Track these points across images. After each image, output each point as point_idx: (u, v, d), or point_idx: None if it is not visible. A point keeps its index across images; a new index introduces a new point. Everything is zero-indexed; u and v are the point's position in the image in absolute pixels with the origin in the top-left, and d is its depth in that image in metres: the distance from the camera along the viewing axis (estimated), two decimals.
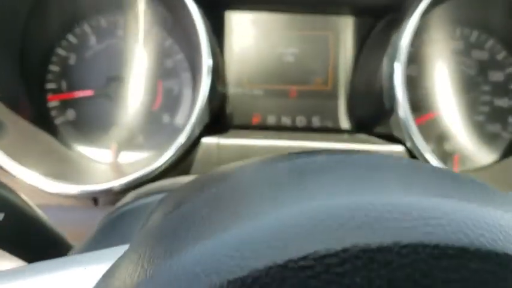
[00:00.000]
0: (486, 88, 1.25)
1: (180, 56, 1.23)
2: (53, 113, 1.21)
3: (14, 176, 0.91)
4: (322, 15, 1.24)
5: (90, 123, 1.21)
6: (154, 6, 1.17)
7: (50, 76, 1.21)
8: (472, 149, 1.24)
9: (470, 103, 1.25)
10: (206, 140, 0.96)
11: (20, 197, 0.66)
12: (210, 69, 0.94)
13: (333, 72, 1.26)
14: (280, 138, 0.97)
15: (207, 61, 0.94)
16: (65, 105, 1.21)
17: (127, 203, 0.66)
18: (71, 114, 1.21)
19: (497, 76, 1.26)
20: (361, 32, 1.22)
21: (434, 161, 0.91)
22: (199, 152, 0.96)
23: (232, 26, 1.26)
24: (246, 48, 1.27)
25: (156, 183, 0.77)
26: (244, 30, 1.26)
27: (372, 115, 1.13)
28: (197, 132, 0.93)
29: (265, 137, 0.97)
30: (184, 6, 0.94)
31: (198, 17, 0.93)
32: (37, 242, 0.67)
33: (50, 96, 1.20)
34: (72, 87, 1.21)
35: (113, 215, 0.62)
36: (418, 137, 0.92)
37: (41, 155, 1.03)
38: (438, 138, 1.24)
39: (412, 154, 0.95)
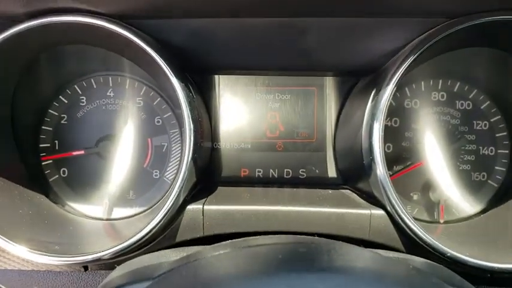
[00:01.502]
0: (471, 137, 1.27)
1: (168, 114, 1.26)
2: (47, 171, 1.24)
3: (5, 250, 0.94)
4: (307, 76, 1.27)
5: (83, 180, 1.25)
6: (141, 69, 1.20)
7: (43, 136, 1.24)
8: (458, 198, 1.25)
9: (456, 152, 1.26)
10: (191, 206, 0.98)
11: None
12: (192, 134, 0.97)
13: (318, 127, 1.29)
14: (265, 203, 1.00)
15: (189, 127, 0.97)
16: (58, 163, 1.25)
17: None
18: (64, 172, 1.25)
19: (482, 125, 1.27)
20: (344, 89, 1.25)
21: (413, 227, 0.93)
22: (185, 218, 0.98)
23: (220, 87, 1.30)
24: (234, 106, 1.30)
25: (137, 263, 0.80)
26: (233, 90, 1.30)
27: (353, 170, 1.15)
28: (183, 198, 0.95)
29: (248, 203, 1.00)
30: (166, 76, 0.97)
31: (180, 89, 0.96)
32: None
33: (43, 156, 1.24)
34: (64, 146, 1.24)
35: None
36: (396, 201, 0.94)
37: (32, 220, 1.06)
38: (423, 187, 1.25)
39: (393, 218, 0.96)
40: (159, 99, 1.26)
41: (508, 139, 1.26)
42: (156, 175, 1.27)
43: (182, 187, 0.95)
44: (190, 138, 0.96)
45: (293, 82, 1.30)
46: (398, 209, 0.94)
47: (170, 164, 1.27)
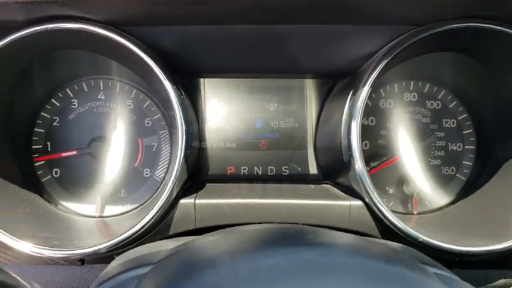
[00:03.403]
0: (441, 134, 1.37)
1: (158, 116, 1.33)
2: (40, 171, 1.29)
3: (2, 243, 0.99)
4: (288, 78, 1.36)
5: (75, 180, 1.30)
6: (132, 73, 1.27)
7: (36, 138, 1.29)
8: (429, 191, 1.35)
9: (427, 148, 1.36)
10: (184, 201, 1.05)
11: (14, 279, 0.74)
12: (184, 134, 1.04)
13: (299, 126, 1.37)
14: (250, 196, 1.07)
15: (182, 128, 1.03)
16: (51, 164, 1.30)
17: (111, 277, 0.74)
18: (56, 172, 1.30)
19: (450, 123, 1.37)
20: (323, 91, 1.34)
21: (388, 215, 1.01)
22: (178, 212, 1.05)
23: (208, 90, 1.37)
24: (219, 108, 1.38)
25: (136, 253, 0.86)
26: (218, 93, 1.37)
27: (334, 166, 1.23)
28: (176, 193, 1.02)
29: (237, 196, 1.07)
30: (159, 80, 1.04)
31: (172, 92, 1.03)
32: None
33: (36, 157, 1.29)
34: (57, 148, 1.30)
35: None
36: (373, 193, 1.02)
37: (29, 217, 1.11)
38: (398, 181, 1.35)
39: (370, 208, 1.05)
40: (148, 101, 1.33)
41: (474, 136, 1.36)
42: (146, 174, 1.33)
43: (175, 183, 1.01)
44: (182, 138, 1.02)
45: (275, 84, 1.38)
46: (375, 199, 1.02)
47: (160, 163, 1.33)
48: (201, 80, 1.37)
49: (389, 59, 1.00)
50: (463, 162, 1.37)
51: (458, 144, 1.37)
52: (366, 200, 1.05)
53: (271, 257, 0.51)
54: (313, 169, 1.37)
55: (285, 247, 0.56)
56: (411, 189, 1.33)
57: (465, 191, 1.34)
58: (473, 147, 1.36)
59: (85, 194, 1.30)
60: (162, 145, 1.33)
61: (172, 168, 1.03)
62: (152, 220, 1.00)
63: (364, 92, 1.02)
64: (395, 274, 0.52)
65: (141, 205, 1.31)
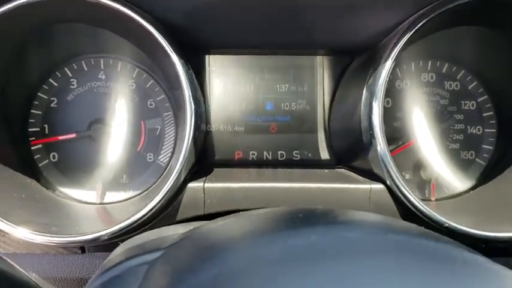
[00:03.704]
0: (459, 117, 1.30)
1: (161, 97, 1.25)
2: (36, 156, 1.22)
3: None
4: (299, 56, 1.28)
5: (74, 164, 1.23)
6: (135, 50, 1.19)
7: (32, 120, 1.22)
8: (447, 176, 1.28)
9: (445, 132, 1.29)
10: (192, 185, 0.98)
11: (11, 266, 0.67)
12: (193, 114, 0.96)
13: (311, 107, 1.30)
14: (261, 180, 1.00)
15: (190, 107, 0.96)
16: (48, 148, 1.22)
17: (116, 264, 0.68)
18: (54, 156, 1.22)
19: (469, 105, 1.30)
20: (337, 70, 1.27)
21: (413, 199, 0.95)
22: (186, 196, 0.98)
23: (214, 69, 1.29)
24: (226, 88, 1.30)
25: (142, 238, 0.79)
26: (225, 71, 1.30)
27: (350, 149, 1.16)
28: (183, 176, 0.95)
29: (248, 180, 1.00)
30: (166, 54, 0.96)
31: (180, 67, 0.96)
32: None
33: (33, 140, 1.21)
34: (54, 130, 1.22)
35: (104, 279, 0.64)
36: (396, 176, 0.96)
37: (26, 203, 1.04)
38: (415, 166, 1.28)
39: (392, 192, 0.98)
40: (152, 81, 1.25)
41: (494, 118, 1.30)
42: (150, 158, 1.25)
43: (183, 165, 0.94)
44: (191, 118, 0.95)
45: (286, 63, 1.30)
46: (398, 182, 0.96)
47: (164, 147, 1.26)
48: (207, 57, 1.29)
49: (413, 31, 0.93)
50: (483, 146, 1.30)
51: (478, 127, 1.30)
52: (388, 182, 0.98)
53: (309, 235, 0.44)
54: (325, 153, 1.29)
55: (321, 225, 0.49)
56: (429, 174, 1.27)
57: (485, 176, 1.28)
58: (494, 130, 1.30)
59: (84, 180, 1.22)
60: (166, 128, 1.26)
61: (179, 150, 0.96)
62: (159, 205, 0.93)
63: (387, 67, 0.95)
64: (447, 253, 0.45)
65: (144, 191, 1.23)
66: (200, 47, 1.21)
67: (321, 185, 0.97)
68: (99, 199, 1.21)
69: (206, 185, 0.97)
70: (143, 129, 1.25)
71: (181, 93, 0.99)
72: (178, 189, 0.96)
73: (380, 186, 0.99)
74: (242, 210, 0.95)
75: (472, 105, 1.30)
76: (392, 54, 0.95)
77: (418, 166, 1.27)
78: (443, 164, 1.28)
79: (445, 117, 1.30)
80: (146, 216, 0.93)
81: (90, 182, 1.22)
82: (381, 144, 0.96)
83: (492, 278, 0.41)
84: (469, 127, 1.30)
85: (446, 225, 0.93)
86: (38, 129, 1.22)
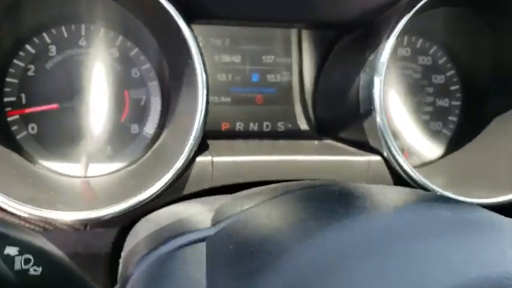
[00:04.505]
0: (430, 90, 1.39)
1: (146, 66, 1.21)
2: (13, 127, 1.14)
3: None
4: (286, 28, 1.29)
5: (55, 136, 1.16)
6: (120, 16, 1.13)
7: (7, 89, 1.13)
8: (418, 146, 1.37)
9: (417, 104, 1.38)
10: (200, 159, 0.97)
11: (51, 246, 0.65)
12: (205, 84, 0.95)
13: (297, 80, 1.32)
14: (265, 153, 1.02)
15: (201, 77, 0.94)
16: (26, 119, 1.15)
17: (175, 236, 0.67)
18: (33, 128, 1.15)
19: (439, 79, 1.39)
20: (325, 43, 1.29)
21: (409, 170, 1.01)
22: (194, 171, 0.97)
23: (200, 38, 1.26)
24: (213, 58, 1.29)
25: (169, 214, 0.79)
26: (211, 42, 1.28)
27: (340, 121, 1.21)
28: (193, 152, 0.94)
29: (254, 153, 1.01)
30: (173, 22, 0.93)
31: (190, 36, 0.93)
32: None
33: (9, 111, 1.13)
34: (32, 100, 1.15)
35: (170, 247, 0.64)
36: (394, 147, 1.01)
37: (3, 174, 0.98)
38: None
39: (389, 163, 1.04)
40: (136, 50, 1.20)
41: (460, 92, 1.40)
42: (134, 130, 1.22)
43: (196, 140, 0.93)
44: (202, 91, 0.94)
45: (271, 35, 1.31)
46: (396, 153, 1.02)
47: (149, 118, 1.23)
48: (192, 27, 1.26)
49: (416, 7, 0.98)
50: (449, 117, 1.40)
51: (446, 100, 1.40)
52: (385, 154, 1.04)
53: (404, 215, 0.47)
54: (311, 125, 1.33)
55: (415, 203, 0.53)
56: (401, 144, 1.35)
57: (451, 146, 1.38)
58: (459, 103, 1.40)
59: (66, 152, 1.17)
60: (152, 98, 1.23)
61: (190, 125, 0.94)
62: (171, 181, 0.92)
63: (390, 43, 0.99)
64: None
65: (130, 164, 1.20)
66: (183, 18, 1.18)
67: (328, 158, 1.01)
68: (83, 172, 1.16)
69: (215, 159, 0.98)
70: (127, 99, 1.21)
71: (185, 63, 0.96)
72: (189, 163, 0.95)
73: (377, 158, 1.05)
74: (248, 184, 0.97)
75: (441, 79, 1.39)
76: (394, 31, 0.99)
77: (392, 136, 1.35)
78: (415, 134, 1.37)
79: (418, 90, 1.38)
80: (153, 196, 0.91)
81: (72, 155, 1.17)
82: (381, 116, 1.01)
83: None
84: (437, 100, 1.40)
85: (439, 193, 1.01)
86: (14, 98, 1.14)
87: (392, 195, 0.67)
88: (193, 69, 0.94)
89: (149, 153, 1.19)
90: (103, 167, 1.19)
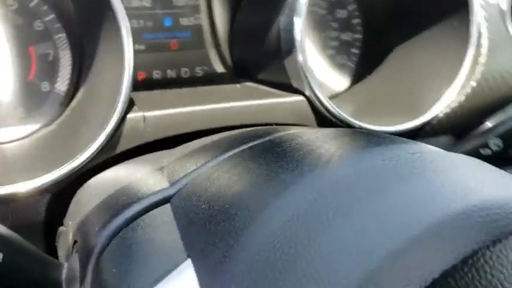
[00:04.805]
0: (335, 25, 1.45)
1: (51, 17, 1.12)
2: None
3: None
4: None
5: None
6: None
7: None
8: (326, 79, 1.46)
9: (323, 39, 1.44)
10: (131, 115, 0.95)
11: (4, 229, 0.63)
12: (129, 30, 0.91)
13: (211, 22, 1.30)
14: (197, 103, 1.02)
15: (124, 22, 0.90)
16: None
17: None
18: None
19: (341, 13, 1.46)
20: None
21: (331, 107, 1.08)
22: (126, 129, 0.95)
23: None
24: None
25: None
26: None
27: (260, 63, 1.23)
28: (125, 107, 0.92)
29: (185, 104, 1.01)
30: None
31: None
32: (32, 270, 0.65)
33: None
34: None
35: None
36: (317, 86, 1.07)
37: None
38: None
39: (311, 102, 1.10)
40: (36, 0, 1.10)
41: (361, 25, 1.48)
42: (45, 88, 1.14)
43: (127, 94, 0.91)
44: (128, 39, 0.90)
45: None
46: (317, 92, 1.08)
47: (60, 74, 1.15)
48: None
49: None
50: (352, 50, 1.49)
51: (349, 33, 1.48)
52: (307, 93, 1.09)
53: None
54: (229, 68, 1.34)
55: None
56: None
57: (356, 78, 1.48)
58: (361, 36, 1.49)
59: None
60: (60, 52, 1.15)
61: (117, 79, 0.91)
62: (106, 141, 0.89)
63: None
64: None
65: (46, 124, 1.14)
66: None
67: (257, 102, 1.04)
68: None
69: (146, 114, 0.96)
70: (33, 55, 1.12)
71: (98, 11, 0.91)
72: (120, 122, 0.93)
73: (300, 97, 1.10)
74: (181, 136, 0.98)
75: (344, 13, 1.46)
76: None
77: None
78: (323, 68, 1.45)
79: (323, 25, 1.44)
80: (92, 156, 0.89)
81: None
82: (302, 56, 1.06)
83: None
84: (341, 34, 1.47)
85: (357, 126, 1.10)
86: None
87: (344, 138, 0.73)
88: (113, 16, 0.89)
89: (67, 111, 1.13)
90: (17, 130, 1.11)
